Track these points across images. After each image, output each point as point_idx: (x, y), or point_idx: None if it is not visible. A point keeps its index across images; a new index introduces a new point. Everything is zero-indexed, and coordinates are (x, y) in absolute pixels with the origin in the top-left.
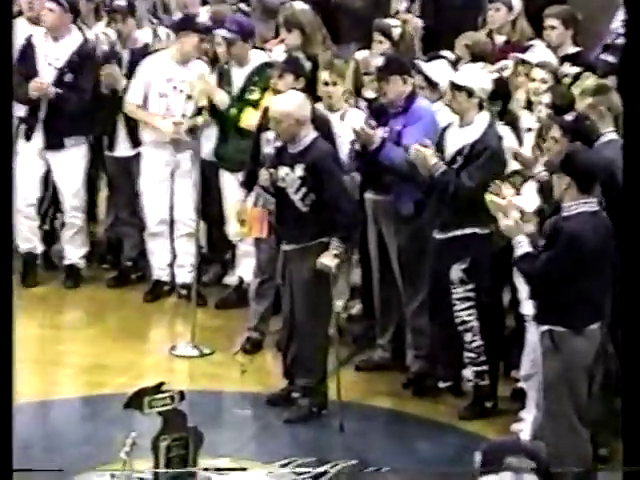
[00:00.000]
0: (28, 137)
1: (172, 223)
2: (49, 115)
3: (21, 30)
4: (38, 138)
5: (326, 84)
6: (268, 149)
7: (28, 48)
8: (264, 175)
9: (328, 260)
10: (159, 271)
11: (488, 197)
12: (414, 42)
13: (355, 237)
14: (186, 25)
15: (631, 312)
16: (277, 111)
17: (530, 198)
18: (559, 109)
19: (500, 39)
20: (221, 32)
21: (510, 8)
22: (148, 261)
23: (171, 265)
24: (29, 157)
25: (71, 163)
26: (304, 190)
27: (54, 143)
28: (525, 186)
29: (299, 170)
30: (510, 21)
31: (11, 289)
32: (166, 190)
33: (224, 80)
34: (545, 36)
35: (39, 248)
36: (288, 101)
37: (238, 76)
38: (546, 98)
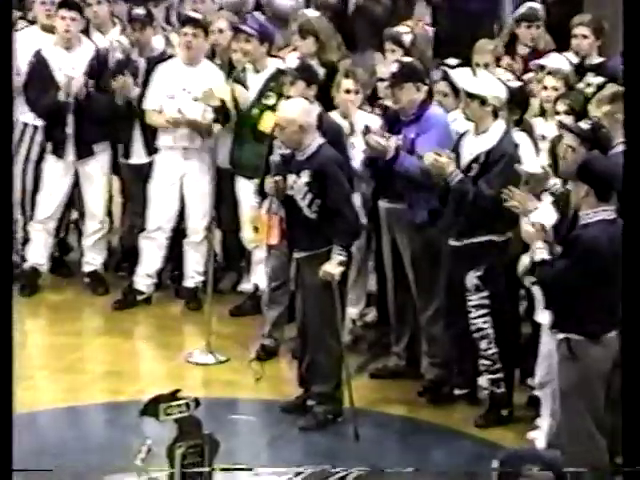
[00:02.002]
0: (60, 154)
1: (184, 231)
2: (78, 126)
3: (33, 40)
4: (69, 152)
5: (348, 92)
6: (274, 156)
7: (40, 62)
8: (269, 183)
9: (331, 268)
10: (140, 278)
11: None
12: (427, 48)
13: (353, 244)
14: (184, 22)
15: (633, 318)
16: (281, 117)
17: (547, 210)
18: (578, 114)
19: (524, 50)
20: (242, 26)
21: (540, 24)
22: (136, 265)
23: (159, 275)
24: (58, 172)
25: (99, 169)
26: (310, 196)
27: (85, 152)
28: (542, 198)
29: (305, 176)
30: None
31: (11, 297)
32: (173, 197)
33: (240, 86)
34: (574, 45)
35: (46, 264)
36: (292, 107)
37: (254, 82)
38: (561, 106)
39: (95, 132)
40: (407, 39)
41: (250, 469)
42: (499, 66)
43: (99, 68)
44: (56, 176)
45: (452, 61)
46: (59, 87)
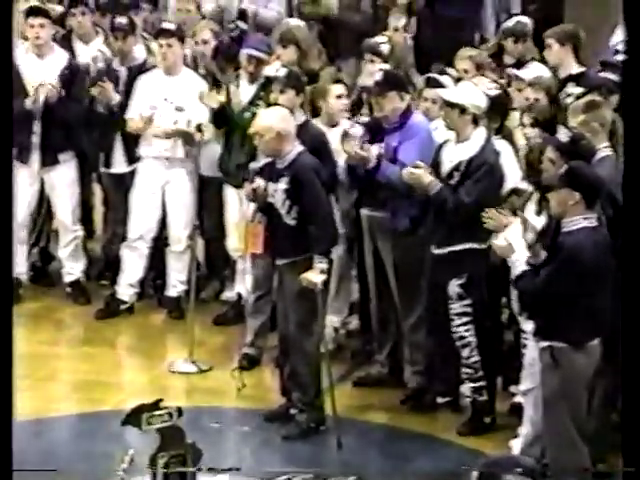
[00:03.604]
0: (25, 159)
1: (166, 239)
2: (44, 133)
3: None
4: (35, 159)
5: (339, 97)
6: (252, 164)
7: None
8: (247, 189)
9: (313, 277)
10: (122, 288)
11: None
12: (406, 56)
13: (333, 252)
14: (157, 33)
15: (631, 326)
16: (259, 125)
17: (533, 220)
18: (543, 126)
19: (511, 61)
20: (254, 53)
21: (527, 38)
22: (118, 274)
23: (141, 284)
24: (24, 179)
25: (66, 178)
26: (288, 203)
27: (49, 160)
28: (527, 207)
29: (283, 183)
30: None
31: (10, 307)
32: (155, 206)
33: (233, 94)
34: (545, 56)
35: (26, 274)
36: (270, 115)
37: (246, 91)
38: (527, 118)
39: (61, 140)
40: (385, 48)
41: (238, 469)
42: (483, 75)
43: (71, 77)
44: (22, 184)
45: (452, 71)
46: (28, 93)
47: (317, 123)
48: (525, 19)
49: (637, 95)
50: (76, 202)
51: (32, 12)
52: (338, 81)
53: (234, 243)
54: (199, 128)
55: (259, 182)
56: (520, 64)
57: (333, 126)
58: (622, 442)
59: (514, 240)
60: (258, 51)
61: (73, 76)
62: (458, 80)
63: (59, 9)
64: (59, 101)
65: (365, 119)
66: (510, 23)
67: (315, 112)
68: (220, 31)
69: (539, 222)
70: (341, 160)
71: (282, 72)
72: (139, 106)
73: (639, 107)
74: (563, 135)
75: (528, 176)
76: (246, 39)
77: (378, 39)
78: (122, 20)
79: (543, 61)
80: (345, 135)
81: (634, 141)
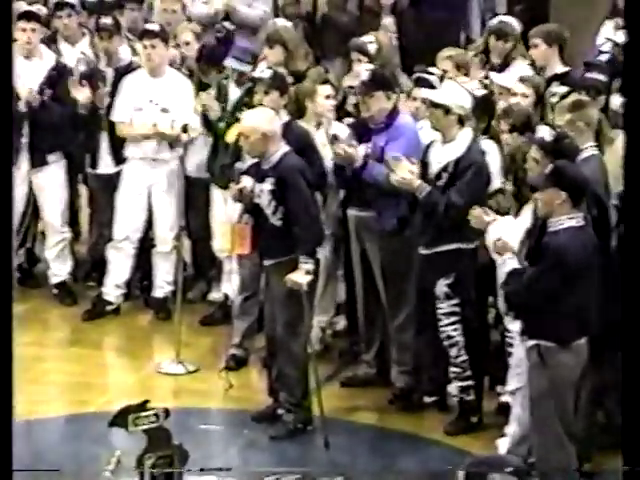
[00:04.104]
0: (14, 161)
1: (152, 240)
2: (32, 135)
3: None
4: (24, 160)
5: (328, 97)
6: (238, 164)
7: None
8: (233, 190)
9: (298, 277)
10: (109, 289)
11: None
12: (392, 56)
13: (318, 252)
14: (141, 34)
15: (631, 326)
16: (244, 126)
17: (512, 224)
18: (521, 131)
19: (498, 61)
20: (232, 64)
21: (510, 38)
22: (104, 275)
23: (127, 285)
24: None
25: (55, 179)
26: (274, 204)
27: (38, 162)
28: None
29: (268, 184)
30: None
31: (10, 307)
32: (141, 207)
33: (221, 95)
34: (530, 56)
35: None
36: (255, 116)
37: (234, 94)
38: (504, 125)
39: (49, 141)
40: (372, 48)
41: (229, 469)
42: (466, 75)
43: (59, 78)
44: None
45: (435, 70)
46: (17, 97)
47: (302, 123)
48: (508, 19)
49: (637, 94)
50: (64, 203)
51: (24, 16)
52: (326, 81)
53: (220, 244)
54: (185, 129)
55: (245, 182)
56: (506, 64)
57: (318, 126)
58: (622, 442)
59: (508, 237)
60: (241, 63)
61: (60, 77)
62: (442, 80)
63: (44, 10)
64: (46, 103)
65: (351, 119)
66: (495, 22)
67: (300, 112)
68: (202, 33)
69: (523, 222)
70: (328, 160)
71: (266, 73)
72: (124, 107)
73: (639, 106)
74: (547, 134)
75: (510, 176)
76: (232, 43)
77: (365, 38)
78: (107, 20)
79: (531, 62)
80: (333, 137)
81: (634, 141)
